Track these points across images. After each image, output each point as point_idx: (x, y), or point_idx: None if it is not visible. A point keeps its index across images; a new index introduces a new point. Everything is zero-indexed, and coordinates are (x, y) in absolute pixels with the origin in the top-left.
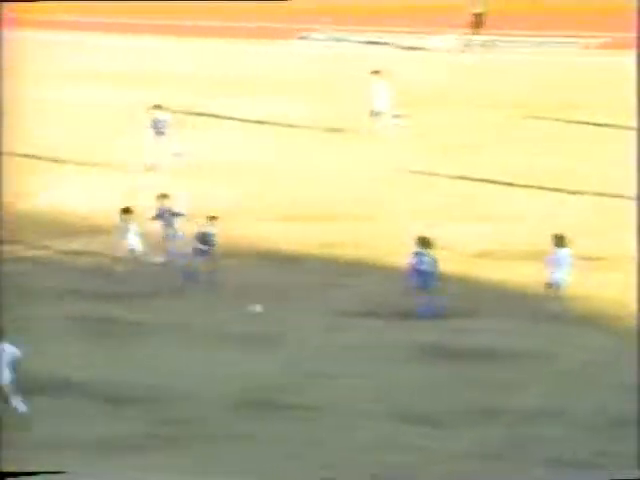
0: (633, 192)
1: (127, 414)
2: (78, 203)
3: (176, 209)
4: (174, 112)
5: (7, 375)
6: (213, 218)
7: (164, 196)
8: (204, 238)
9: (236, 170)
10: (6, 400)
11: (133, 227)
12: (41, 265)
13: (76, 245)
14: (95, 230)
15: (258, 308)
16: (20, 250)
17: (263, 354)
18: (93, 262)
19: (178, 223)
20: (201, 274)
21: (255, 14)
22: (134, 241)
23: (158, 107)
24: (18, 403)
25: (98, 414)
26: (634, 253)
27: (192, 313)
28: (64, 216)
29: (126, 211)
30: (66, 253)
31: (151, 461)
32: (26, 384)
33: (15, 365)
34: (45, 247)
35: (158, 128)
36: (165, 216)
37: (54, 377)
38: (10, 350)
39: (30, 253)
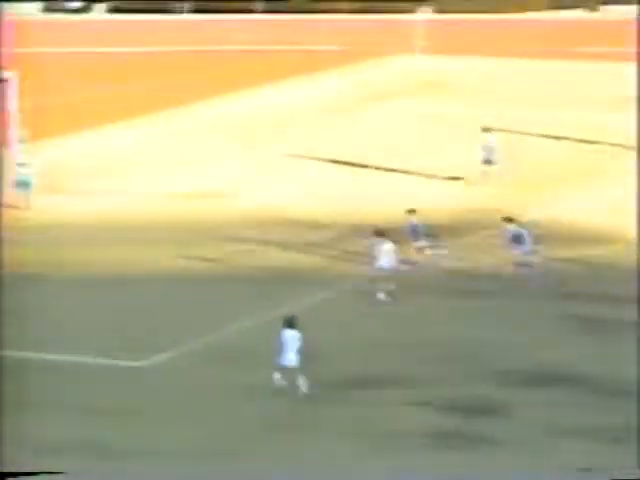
0: None
1: (616, 407)
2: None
3: (421, 225)
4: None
5: (295, 359)
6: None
7: (411, 211)
8: (518, 239)
9: None
10: (294, 381)
11: (385, 247)
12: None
13: (572, 253)
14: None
15: (382, 296)
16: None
17: None
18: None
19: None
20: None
21: None
22: (384, 260)
23: (487, 130)
24: (302, 385)
25: (589, 406)
26: None
27: None
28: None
29: (378, 233)
30: (562, 260)
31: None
32: (525, 376)
33: (302, 350)
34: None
35: (488, 149)
36: (413, 230)
37: (550, 369)
38: (298, 337)
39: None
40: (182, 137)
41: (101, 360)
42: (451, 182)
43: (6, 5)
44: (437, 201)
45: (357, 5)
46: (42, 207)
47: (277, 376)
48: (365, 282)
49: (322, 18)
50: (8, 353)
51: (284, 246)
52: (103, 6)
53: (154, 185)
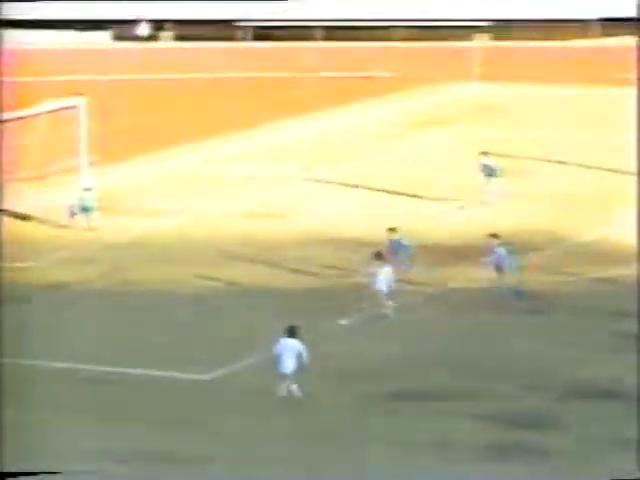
0: None
1: None
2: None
3: (404, 241)
4: None
5: (291, 366)
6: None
7: (393, 230)
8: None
9: None
10: (288, 386)
11: (385, 269)
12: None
13: (609, 273)
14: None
15: (344, 321)
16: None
17: None
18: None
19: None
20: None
21: None
22: (382, 283)
23: (485, 153)
24: (295, 389)
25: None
26: None
27: None
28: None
29: (378, 256)
30: (598, 280)
31: None
32: (574, 390)
33: (301, 359)
34: (575, 274)
35: (487, 171)
36: (393, 248)
37: (599, 384)
38: (297, 345)
39: (559, 278)
40: (238, 161)
41: (168, 373)
42: (497, 206)
43: (78, 35)
44: (484, 224)
45: (414, 33)
46: (106, 227)
47: (293, 387)
48: (416, 300)
49: (379, 45)
50: (81, 366)
51: (334, 265)
52: (170, 34)
53: (213, 206)
